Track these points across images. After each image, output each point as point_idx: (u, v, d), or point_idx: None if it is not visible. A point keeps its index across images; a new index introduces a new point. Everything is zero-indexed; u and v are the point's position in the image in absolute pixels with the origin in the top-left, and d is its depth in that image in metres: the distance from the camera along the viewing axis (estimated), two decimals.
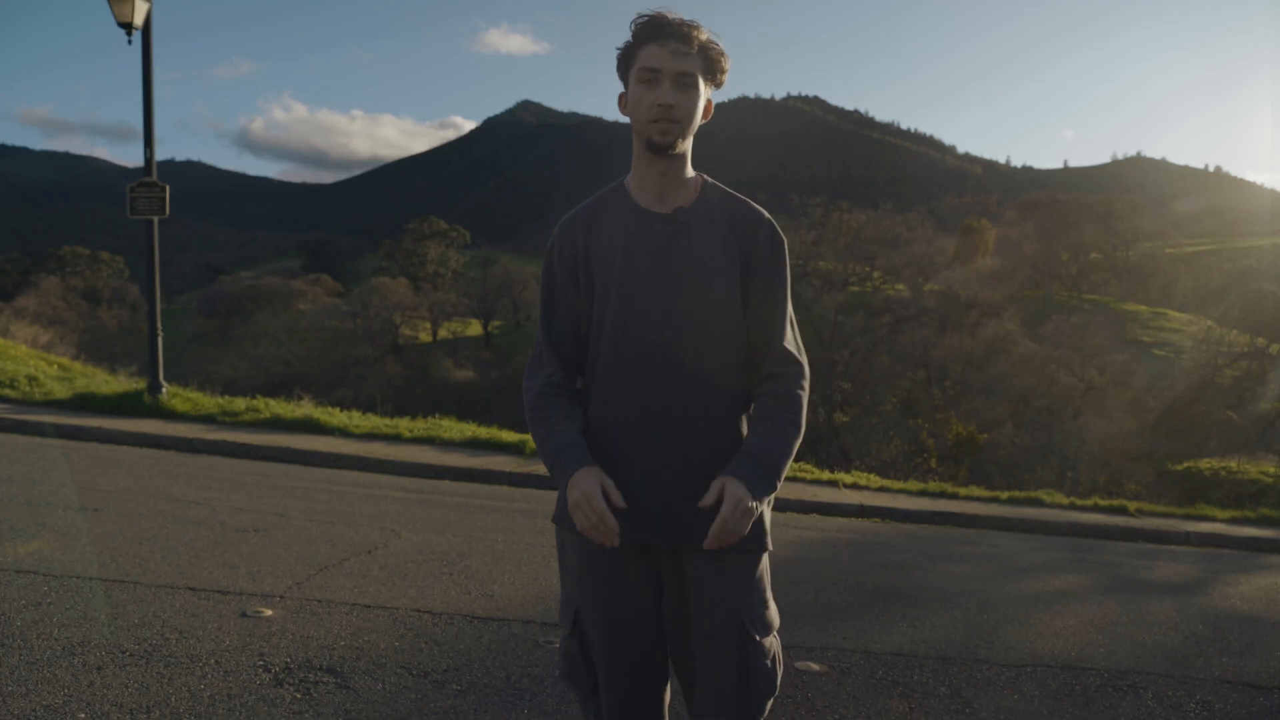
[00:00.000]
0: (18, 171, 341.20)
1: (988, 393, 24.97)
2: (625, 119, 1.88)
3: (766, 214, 1.93)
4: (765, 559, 1.89)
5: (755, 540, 1.85)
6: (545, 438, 1.85)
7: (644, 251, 1.84)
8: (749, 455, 1.79)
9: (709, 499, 1.73)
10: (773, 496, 1.83)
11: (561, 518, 1.94)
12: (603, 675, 1.92)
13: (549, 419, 1.86)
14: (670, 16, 1.77)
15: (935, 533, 7.69)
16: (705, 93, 1.83)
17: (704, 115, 1.86)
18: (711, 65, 1.81)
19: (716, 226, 1.87)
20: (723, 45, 1.82)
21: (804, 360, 1.91)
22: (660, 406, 1.82)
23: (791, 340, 1.91)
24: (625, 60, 1.82)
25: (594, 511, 1.70)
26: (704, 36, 1.78)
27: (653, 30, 1.77)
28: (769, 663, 1.85)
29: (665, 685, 1.99)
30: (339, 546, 4.93)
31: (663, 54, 1.76)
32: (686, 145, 1.85)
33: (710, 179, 1.95)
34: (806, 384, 1.90)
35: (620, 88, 1.88)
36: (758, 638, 1.84)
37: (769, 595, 1.91)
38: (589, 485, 1.72)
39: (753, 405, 1.90)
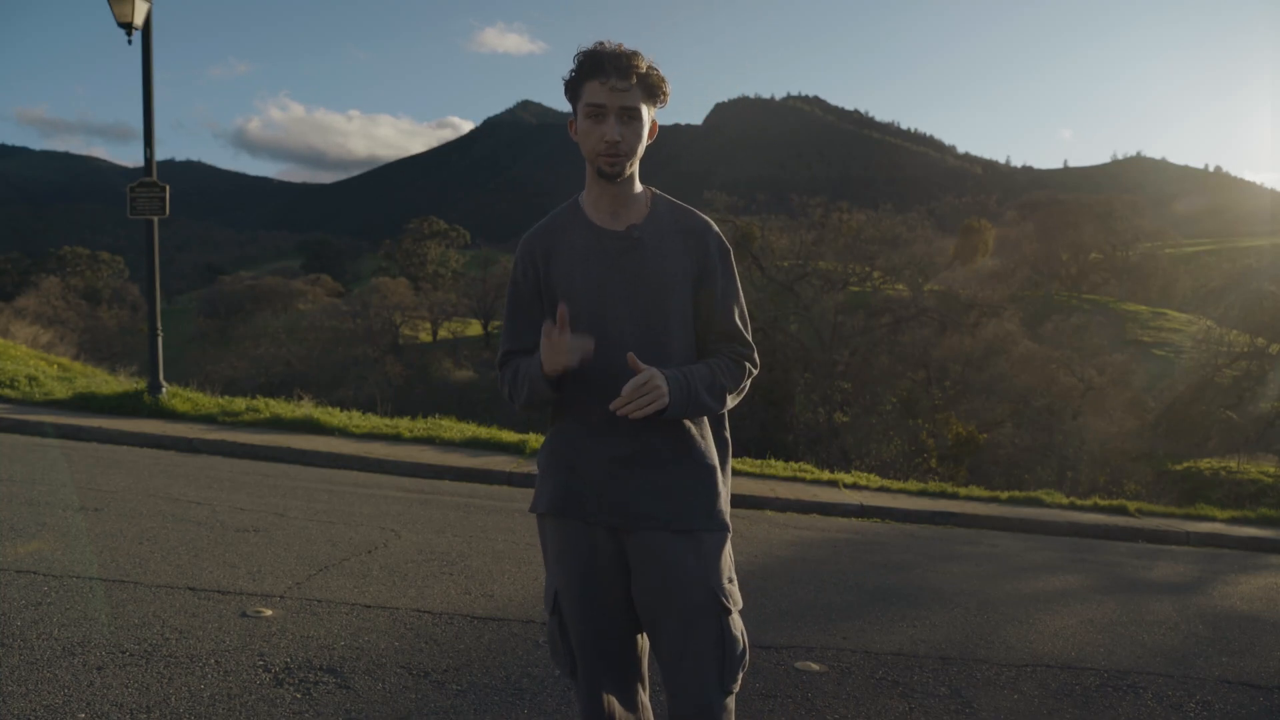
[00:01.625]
0: (18, 171, 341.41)
1: (988, 393, 24.93)
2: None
3: (713, 223, 2.09)
4: (729, 541, 2.04)
5: (721, 522, 2.02)
6: (514, 375, 2.03)
7: (602, 267, 1.98)
8: (679, 370, 1.94)
9: (634, 367, 1.87)
10: (722, 468, 2.05)
11: (539, 506, 2.08)
12: (579, 654, 2.03)
13: (515, 368, 2.04)
14: (609, 51, 1.88)
15: (935, 533, 7.69)
16: (649, 117, 1.95)
17: (649, 136, 1.98)
18: (652, 91, 1.93)
19: (669, 240, 2.01)
20: (661, 70, 1.93)
21: (750, 351, 2.07)
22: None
23: (743, 338, 2.06)
24: (572, 92, 1.94)
25: (557, 343, 1.85)
26: (642, 67, 1.89)
27: (594, 67, 1.88)
28: (740, 635, 2.00)
29: (642, 664, 2.11)
30: (339, 546, 4.93)
31: (605, 91, 1.87)
32: (634, 169, 1.99)
33: (657, 191, 2.09)
34: (751, 366, 2.06)
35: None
36: (732, 611, 1.98)
37: (734, 574, 2.05)
38: (545, 340, 1.87)
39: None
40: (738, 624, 2.00)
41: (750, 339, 2.09)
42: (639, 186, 2.05)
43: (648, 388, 1.84)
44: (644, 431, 1.95)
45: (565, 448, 2.02)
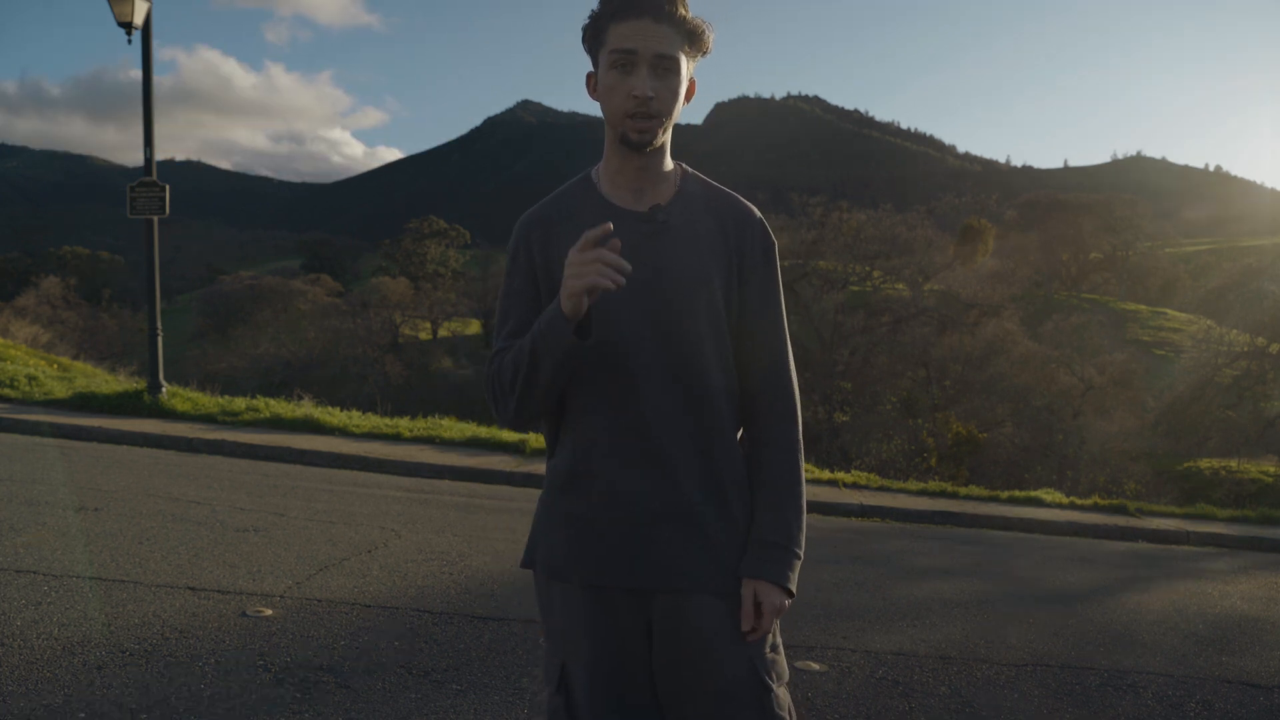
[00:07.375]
0: (18, 171, 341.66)
1: (987, 392, 24.94)
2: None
3: (756, 210, 1.70)
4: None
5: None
6: (509, 360, 1.56)
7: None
8: (775, 546, 1.62)
9: (747, 608, 1.58)
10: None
11: (533, 561, 1.70)
12: None
13: (507, 352, 1.59)
14: None
15: (935, 532, 7.69)
16: (689, 71, 1.58)
17: (686, 97, 1.60)
18: (695, 38, 1.56)
19: (700, 225, 1.63)
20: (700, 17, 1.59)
21: (796, 392, 1.70)
22: (645, 433, 1.58)
23: (788, 366, 1.69)
24: (593, 37, 1.56)
25: (587, 258, 1.39)
26: (682, 8, 1.54)
27: (623, 4, 1.52)
28: (786, 715, 1.64)
29: None
30: (339, 546, 4.93)
31: (637, 32, 1.50)
32: (667, 136, 1.61)
33: (691, 169, 1.72)
34: (800, 426, 1.71)
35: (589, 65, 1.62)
36: (775, 688, 1.62)
37: (779, 639, 1.70)
38: (569, 257, 1.42)
39: (753, 456, 1.67)
40: (784, 702, 1.63)
41: (793, 377, 1.69)
42: (669, 162, 1.66)
43: (762, 627, 1.58)
44: (670, 472, 1.58)
45: (570, 495, 1.63)
